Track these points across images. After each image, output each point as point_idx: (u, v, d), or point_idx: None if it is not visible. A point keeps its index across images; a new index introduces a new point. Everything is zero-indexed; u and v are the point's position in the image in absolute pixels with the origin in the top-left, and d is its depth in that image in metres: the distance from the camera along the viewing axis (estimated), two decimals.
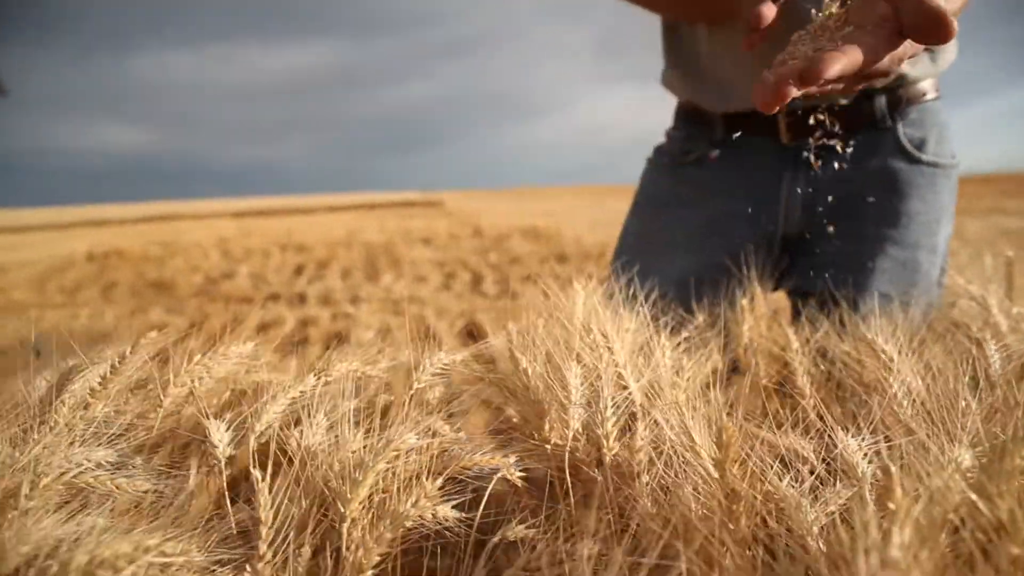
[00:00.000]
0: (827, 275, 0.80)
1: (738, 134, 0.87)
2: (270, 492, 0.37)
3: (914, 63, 0.78)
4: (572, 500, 0.42)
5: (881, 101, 0.80)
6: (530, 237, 8.79)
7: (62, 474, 0.38)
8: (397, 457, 0.38)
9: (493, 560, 0.38)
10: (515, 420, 0.47)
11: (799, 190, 0.84)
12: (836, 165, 0.83)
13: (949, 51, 0.83)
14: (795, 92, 0.45)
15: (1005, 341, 0.54)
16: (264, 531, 0.35)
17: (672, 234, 0.89)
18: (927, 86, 0.83)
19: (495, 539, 0.40)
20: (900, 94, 0.80)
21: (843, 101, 0.80)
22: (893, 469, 0.27)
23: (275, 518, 0.36)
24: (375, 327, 3.34)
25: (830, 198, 0.84)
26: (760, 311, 0.77)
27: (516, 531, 0.41)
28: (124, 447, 0.42)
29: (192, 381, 0.48)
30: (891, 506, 0.26)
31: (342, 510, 0.37)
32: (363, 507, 0.37)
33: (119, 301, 6.14)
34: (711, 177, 0.88)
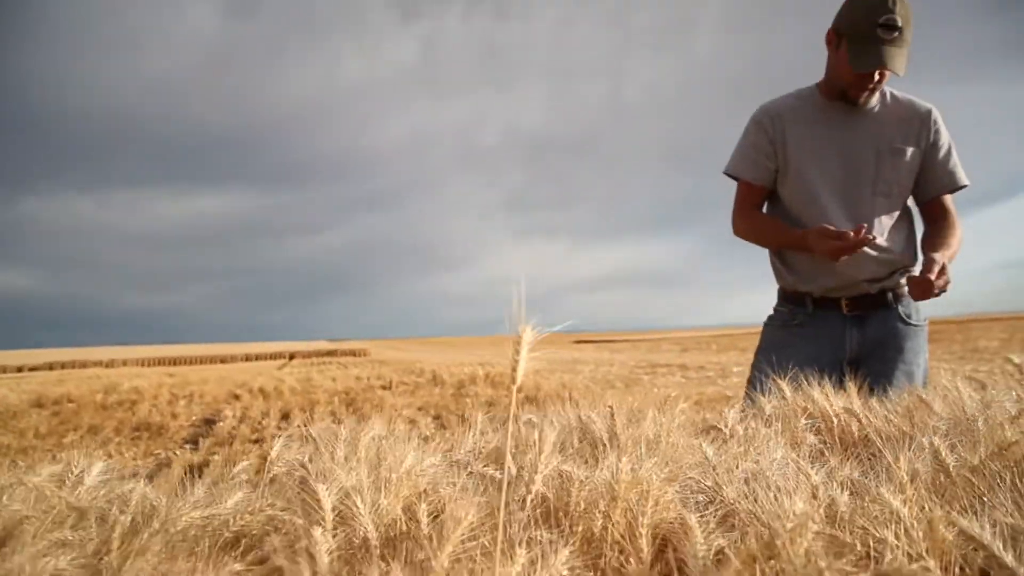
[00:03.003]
0: (870, 380, 1.61)
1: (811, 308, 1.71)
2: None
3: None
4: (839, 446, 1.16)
5: (890, 295, 1.68)
6: (490, 383, 9.47)
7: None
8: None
9: None
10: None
11: (855, 339, 1.69)
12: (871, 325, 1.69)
13: None
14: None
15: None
16: None
17: (786, 364, 1.69)
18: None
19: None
20: (899, 292, 1.69)
21: (872, 291, 1.67)
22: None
23: None
24: None
25: (869, 342, 1.68)
26: (853, 393, 1.56)
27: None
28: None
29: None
30: None
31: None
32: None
33: (120, 443, 6.25)
34: (807, 332, 1.72)
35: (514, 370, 0.55)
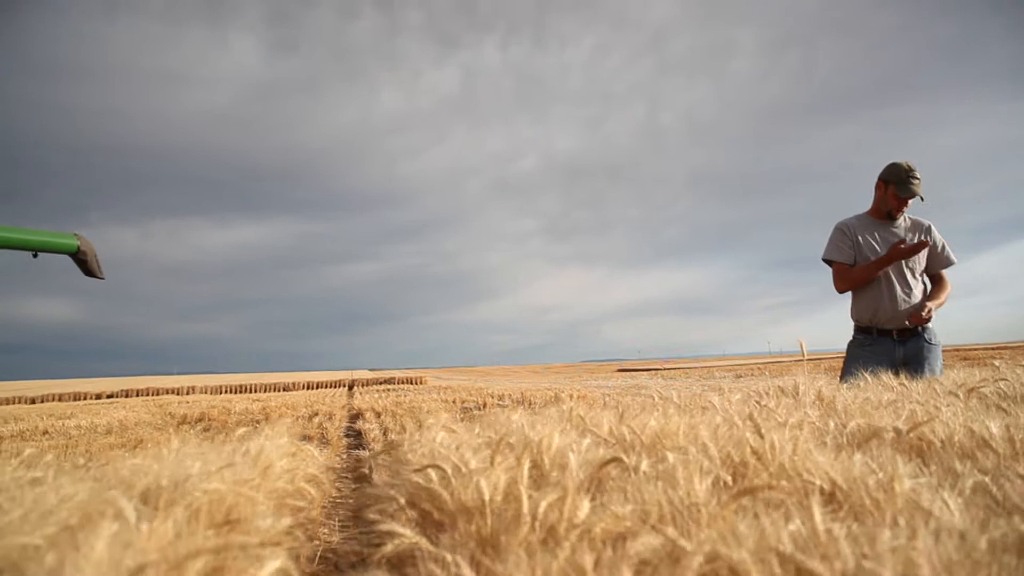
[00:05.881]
0: (910, 375, 2.91)
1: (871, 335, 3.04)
2: None
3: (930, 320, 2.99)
4: None
5: (919, 328, 2.99)
6: (573, 402, 10.49)
7: None
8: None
9: None
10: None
11: (900, 353, 2.99)
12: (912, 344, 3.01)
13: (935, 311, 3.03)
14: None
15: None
16: None
17: (864, 367, 2.98)
18: (931, 323, 3.03)
19: None
20: (926, 325, 3.00)
21: (910, 327, 2.98)
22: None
23: None
24: None
25: (909, 354, 2.99)
26: (903, 378, 2.88)
27: None
28: None
29: None
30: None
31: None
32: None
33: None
34: (874, 349, 3.02)
35: (802, 354, 1.90)
